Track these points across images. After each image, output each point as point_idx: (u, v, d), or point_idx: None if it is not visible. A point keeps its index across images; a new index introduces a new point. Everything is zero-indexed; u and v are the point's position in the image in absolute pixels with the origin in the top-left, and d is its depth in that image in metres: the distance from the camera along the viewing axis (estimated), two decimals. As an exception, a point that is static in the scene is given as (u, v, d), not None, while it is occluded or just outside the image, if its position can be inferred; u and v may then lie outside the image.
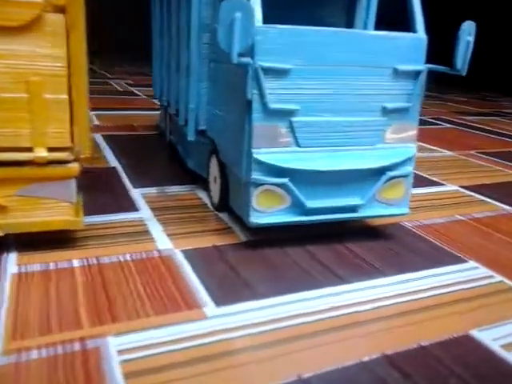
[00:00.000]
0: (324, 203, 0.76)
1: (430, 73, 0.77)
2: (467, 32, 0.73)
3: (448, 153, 1.59)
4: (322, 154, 0.74)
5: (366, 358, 0.52)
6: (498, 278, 0.72)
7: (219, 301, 0.61)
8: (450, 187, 1.18)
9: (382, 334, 0.56)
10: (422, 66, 0.76)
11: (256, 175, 0.72)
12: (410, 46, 0.75)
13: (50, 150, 0.66)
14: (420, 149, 1.60)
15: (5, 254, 0.69)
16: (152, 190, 1.01)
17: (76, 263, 0.68)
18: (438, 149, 1.64)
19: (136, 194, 0.98)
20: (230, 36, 0.63)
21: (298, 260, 0.74)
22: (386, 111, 0.76)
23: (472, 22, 0.73)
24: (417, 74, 0.76)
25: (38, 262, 0.67)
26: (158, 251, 0.73)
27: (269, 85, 0.69)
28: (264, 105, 0.69)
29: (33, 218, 0.68)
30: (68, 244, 0.73)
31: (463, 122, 2.31)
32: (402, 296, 0.65)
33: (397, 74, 0.75)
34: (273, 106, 0.70)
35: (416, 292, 0.67)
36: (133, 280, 0.64)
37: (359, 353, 0.53)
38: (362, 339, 0.55)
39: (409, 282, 0.69)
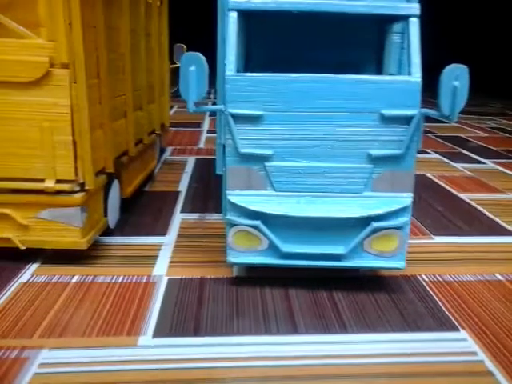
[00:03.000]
0: (301, 249, 0.75)
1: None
2: (452, 77, 0.65)
3: None
4: (298, 199, 0.74)
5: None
6: (480, 357, 0.63)
7: (159, 332, 0.66)
8: (523, 238, 1.03)
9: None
10: (414, 111, 0.70)
11: (230, 215, 0.75)
12: (399, 90, 0.70)
13: (58, 181, 0.78)
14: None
15: (31, 265, 0.84)
16: (194, 216, 1.09)
17: (75, 279, 0.79)
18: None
19: (177, 218, 1.08)
20: (186, 87, 0.68)
21: (269, 302, 0.74)
22: (372, 158, 0.72)
23: (460, 66, 0.65)
24: (409, 119, 0.71)
25: (47, 274, 0.80)
26: (149, 277, 0.81)
27: (240, 130, 0.72)
28: (236, 149, 0.72)
29: (47, 237, 0.81)
30: (81, 261, 0.85)
31: None
32: (351, 358, 0.62)
33: (384, 119, 0.71)
34: (243, 150, 0.72)
35: (371, 356, 0.63)
36: (105, 301, 0.73)
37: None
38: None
39: (371, 344, 0.65)
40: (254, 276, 0.82)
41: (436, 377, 0.59)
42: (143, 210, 1.11)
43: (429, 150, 1.91)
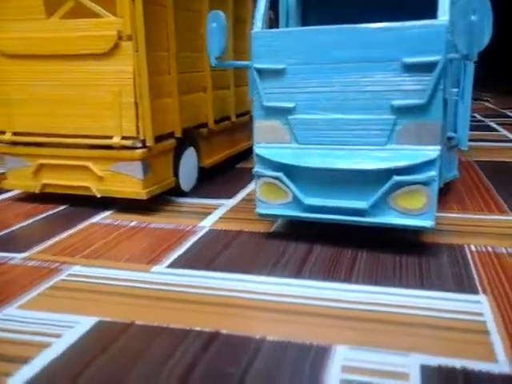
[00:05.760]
0: (324, 202, 0.75)
1: None
2: (469, 10, 0.60)
3: None
4: (320, 152, 0.74)
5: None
6: (487, 317, 0.57)
7: (173, 264, 0.73)
8: None
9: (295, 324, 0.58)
10: (438, 57, 0.66)
11: (257, 168, 0.79)
12: (422, 35, 0.67)
13: (124, 138, 0.91)
14: None
15: (106, 211, 0.98)
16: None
17: (133, 223, 0.91)
18: None
19: (249, 188, 1.13)
20: (209, 43, 0.74)
21: (288, 252, 0.76)
22: (394, 109, 0.69)
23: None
24: (432, 65, 0.66)
25: (113, 218, 0.93)
26: (194, 227, 0.88)
27: (264, 85, 0.76)
28: (261, 103, 0.76)
29: (116, 187, 0.94)
30: (146, 212, 0.96)
31: None
32: (337, 302, 0.61)
33: (405, 67, 0.68)
34: (267, 103, 0.76)
35: (361, 303, 0.61)
36: (146, 240, 0.82)
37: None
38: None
39: (366, 293, 0.63)
40: (288, 232, 0.84)
41: (430, 328, 0.55)
42: (225, 181, 1.20)
43: None
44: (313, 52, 0.72)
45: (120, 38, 0.87)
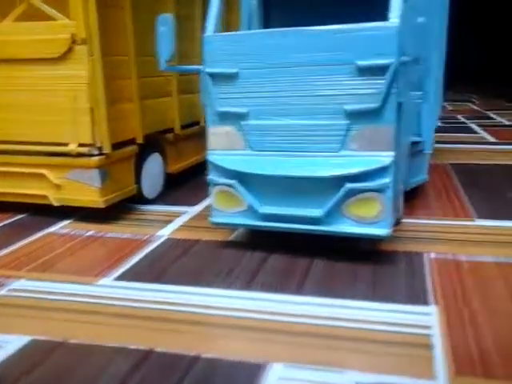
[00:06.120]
0: (278, 210, 0.73)
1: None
2: (415, 11, 0.58)
3: None
4: (274, 159, 0.72)
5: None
6: (434, 331, 0.55)
7: (123, 276, 0.70)
8: None
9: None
10: (390, 60, 0.64)
11: (211, 175, 0.76)
12: (372, 38, 0.65)
13: (80, 145, 0.88)
14: None
15: (65, 220, 0.95)
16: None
17: (89, 233, 0.88)
18: None
19: (217, 194, 1.11)
20: (158, 46, 0.72)
21: (242, 262, 0.74)
22: (348, 114, 0.67)
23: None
24: (384, 68, 0.64)
25: (70, 228, 0.91)
26: (151, 236, 0.86)
27: (217, 90, 0.73)
28: (214, 108, 0.74)
29: (73, 196, 0.91)
30: (105, 220, 0.94)
31: None
32: (281, 315, 0.59)
33: (359, 70, 0.66)
34: (220, 109, 0.73)
35: (301, 316, 0.59)
36: (99, 250, 0.80)
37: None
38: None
39: (312, 306, 0.61)
40: (247, 241, 0.82)
41: (373, 343, 0.53)
42: (192, 187, 1.17)
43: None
44: (265, 56, 0.70)
45: (74, 41, 0.84)
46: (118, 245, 0.82)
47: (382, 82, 0.65)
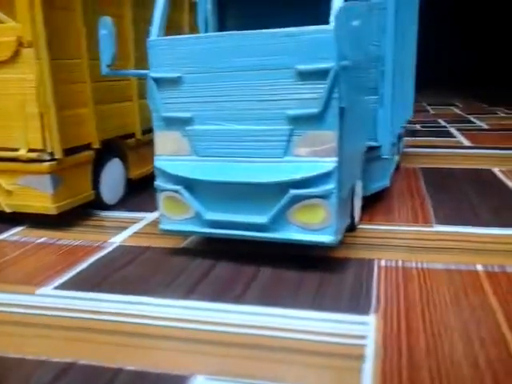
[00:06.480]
0: (224, 217, 0.71)
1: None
2: (351, 15, 0.57)
3: None
4: (219, 164, 0.71)
5: (61, 356, 0.52)
6: (368, 341, 0.53)
7: (64, 285, 0.68)
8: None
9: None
10: (330, 64, 0.63)
11: (158, 181, 0.75)
12: (313, 42, 0.63)
13: (30, 150, 0.86)
14: None
15: (18, 227, 0.93)
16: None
17: (41, 240, 0.86)
18: None
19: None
20: (100, 50, 0.70)
21: (188, 270, 0.72)
22: (290, 119, 0.66)
23: None
24: (324, 73, 0.63)
25: (22, 235, 0.89)
26: (103, 242, 0.84)
27: (162, 94, 0.72)
28: (160, 114, 0.73)
29: (25, 202, 0.90)
30: (59, 227, 0.92)
31: None
32: (220, 325, 0.57)
33: (300, 75, 0.65)
34: (165, 114, 0.72)
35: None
36: (48, 258, 0.78)
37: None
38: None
39: (253, 315, 0.59)
40: (197, 248, 0.80)
41: (306, 354, 0.51)
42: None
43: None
44: (209, 60, 0.69)
45: (20, 44, 0.83)
46: (67, 252, 0.80)
47: (323, 86, 0.63)
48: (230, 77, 0.68)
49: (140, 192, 1.14)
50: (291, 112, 0.66)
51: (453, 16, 5.16)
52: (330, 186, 0.65)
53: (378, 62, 0.86)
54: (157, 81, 0.72)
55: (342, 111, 0.65)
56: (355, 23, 0.58)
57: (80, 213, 0.98)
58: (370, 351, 0.51)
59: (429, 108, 3.04)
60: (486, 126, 2.21)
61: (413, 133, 2.02)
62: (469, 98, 3.61)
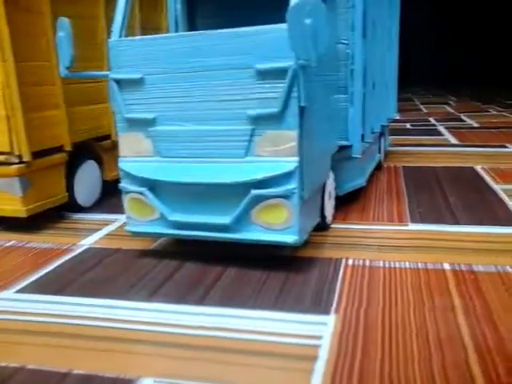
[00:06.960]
0: (188, 218, 0.71)
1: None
2: (303, 13, 0.56)
3: None
4: (182, 165, 0.70)
5: (11, 361, 0.51)
6: (324, 342, 0.53)
7: (26, 289, 0.68)
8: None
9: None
10: (288, 63, 0.62)
11: (123, 183, 0.74)
12: (271, 41, 0.63)
13: (-1, 153, 0.86)
14: None
15: (-9, 231, 0.93)
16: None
17: (10, 243, 0.86)
18: None
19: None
20: (58, 52, 0.70)
21: (154, 272, 0.71)
22: (250, 119, 0.65)
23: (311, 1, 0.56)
24: (283, 72, 0.63)
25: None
26: (73, 245, 0.84)
27: (124, 96, 0.71)
28: (122, 115, 0.72)
29: (-4, 205, 0.89)
30: (31, 229, 0.91)
31: None
32: (181, 328, 0.57)
33: (259, 74, 0.64)
34: (128, 115, 0.71)
35: (200, 328, 0.56)
36: (15, 261, 0.77)
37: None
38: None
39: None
40: (166, 249, 0.80)
41: (260, 356, 0.51)
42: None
43: (508, 144, 1.64)
44: (169, 60, 0.68)
45: (-16, 46, 0.82)
46: (35, 255, 0.80)
47: (282, 85, 0.63)
48: (190, 77, 0.68)
49: (116, 194, 1.13)
50: (252, 112, 0.65)
51: (445, 15, 5.16)
52: (292, 185, 0.65)
53: (347, 61, 0.85)
54: (118, 82, 0.71)
55: (302, 110, 0.64)
56: (310, 21, 0.57)
57: (53, 215, 0.97)
58: (323, 352, 0.51)
59: (422, 107, 3.03)
60: (476, 125, 2.20)
61: (402, 131, 2.01)
62: (463, 97, 3.60)
